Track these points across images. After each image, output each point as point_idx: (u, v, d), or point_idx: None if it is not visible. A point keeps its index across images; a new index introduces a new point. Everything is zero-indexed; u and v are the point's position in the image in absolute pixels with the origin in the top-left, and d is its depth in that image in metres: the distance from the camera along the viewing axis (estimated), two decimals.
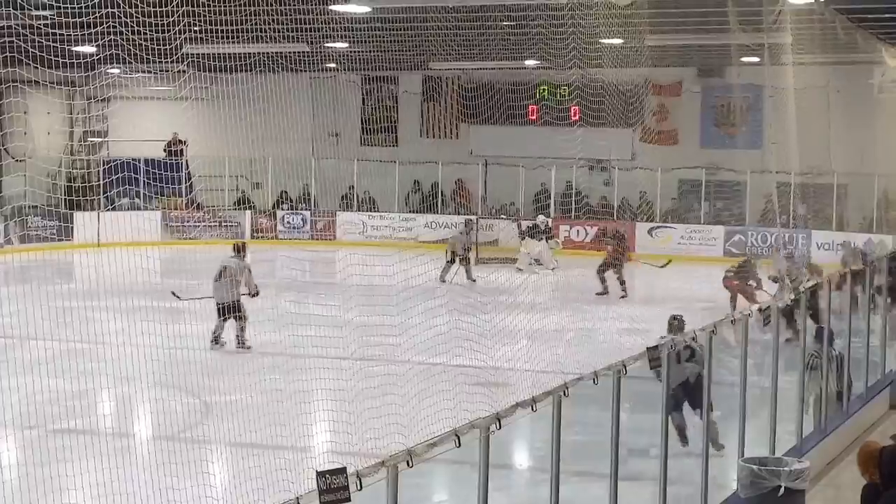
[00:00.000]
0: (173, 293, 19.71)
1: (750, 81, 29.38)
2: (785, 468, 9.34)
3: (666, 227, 31.29)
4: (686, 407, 11.16)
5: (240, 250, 19.36)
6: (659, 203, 32.59)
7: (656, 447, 8.86)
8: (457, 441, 6.07)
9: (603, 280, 24.32)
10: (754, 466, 9.39)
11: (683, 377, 10.95)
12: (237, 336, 18.32)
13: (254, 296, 18.55)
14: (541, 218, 28.71)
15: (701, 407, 10.11)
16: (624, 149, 33.56)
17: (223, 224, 33.43)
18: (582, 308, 21.94)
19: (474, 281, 26.14)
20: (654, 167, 32.30)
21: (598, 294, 23.79)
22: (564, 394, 7.29)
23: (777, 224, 28.81)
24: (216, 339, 18.35)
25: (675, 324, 14.08)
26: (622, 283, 24.39)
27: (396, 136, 36.51)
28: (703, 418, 9.61)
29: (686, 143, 33.29)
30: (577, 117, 31.12)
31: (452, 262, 26.51)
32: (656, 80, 33.16)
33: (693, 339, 10.09)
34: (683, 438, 11.03)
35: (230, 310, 18.15)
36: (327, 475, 5.06)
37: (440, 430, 6.15)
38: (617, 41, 23.60)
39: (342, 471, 5.10)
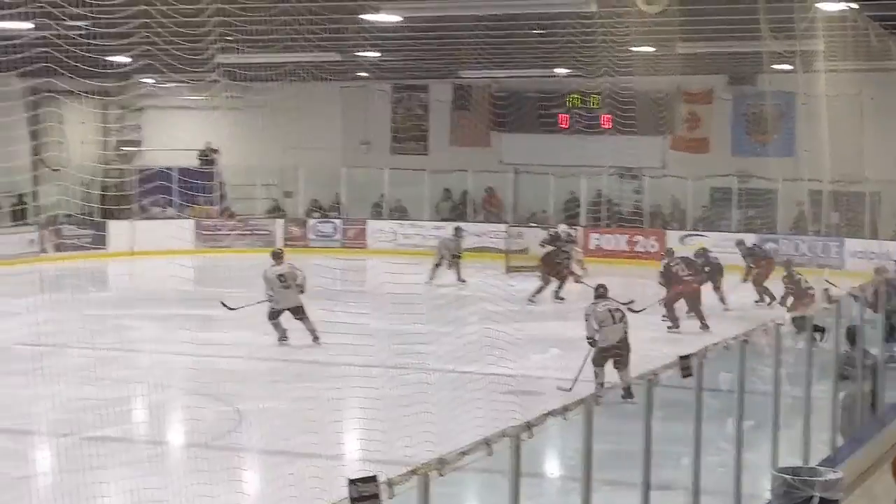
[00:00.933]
0: (223, 304, 19.89)
1: (782, 89, 29.25)
2: (819, 478, 9.30)
3: (697, 234, 31.18)
4: None
5: (279, 257, 20.06)
6: (690, 211, 32.50)
7: (688, 456, 8.85)
8: (488, 449, 6.08)
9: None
10: (788, 476, 9.36)
11: None
12: (313, 332, 18.92)
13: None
14: (562, 227, 28.65)
15: None
16: (654, 157, 33.50)
17: (255, 232, 33.55)
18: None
19: (464, 281, 26.58)
20: (685, 175, 32.23)
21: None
22: (596, 402, 7.29)
23: (809, 232, 28.76)
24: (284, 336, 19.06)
25: (601, 291, 16.07)
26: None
27: (427, 145, 36.54)
28: (736, 428, 9.58)
29: (717, 151, 33.17)
30: (607, 125, 31.19)
31: (439, 264, 27.14)
32: (687, 88, 33.12)
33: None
34: None
35: (300, 311, 19.05)
36: (359, 483, 5.08)
37: (471, 439, 6.16)
38: (648, 49, 23.63)
39: (374, 479, 5.11)
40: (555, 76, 32.07)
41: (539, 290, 24.27)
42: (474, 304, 23.07)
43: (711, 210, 32.99)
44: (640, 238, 31.65)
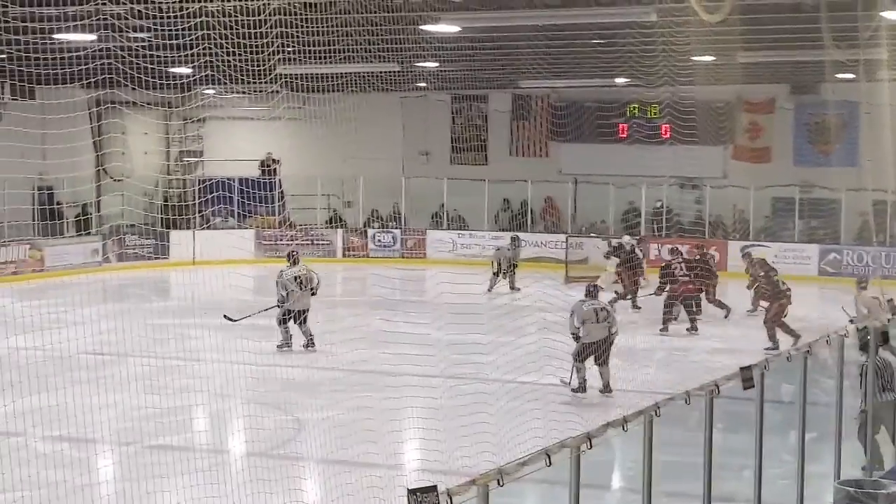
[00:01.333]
0: (226, 316, 20.02)
1: (845, 98, 29.02)
2: (882, 490, 9.20)
3: (759, 245, 30.93)
4: None
5: (296, 260, 19.96)
6: (752, 221, 32.26)
7: (750, 468, 8.78)
8: (547, 460, 6.05)
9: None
10: (851, 489, 9.26)
11: None
12: (310, 339, 19.18)
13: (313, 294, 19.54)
14: (626, 238, 28.53)
15: None
16: (715, 166, 33.29)
17: (315, 242, 33.71)
18: (671, 327, 21.76)
19: (518, 290, 26.58)
20: (746, 185, 32.00)
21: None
22: (656, 413, 7.24)
23: (874, 242, 28.44)
24: (289, 342, 19.22)
25: (592, 290, 16.59)
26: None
27: (486, 155, 36.56)
28: (798, 440, 9.49)
29: (779, 161, 32.92)
30: (667, 135, 31.06)
31: (497, 274, 27.23)
32: (749, 98, 32.90)
33: None
34: None
35: (305, 315, 19.25)
36: (418, 493, 5.07)
37: (530, 449, 6.14)
38: (708, 58, 23.49)
39: (433, 489, 5.11)
40: (614, 86, 31.98)
41: (616, 300, 24.31)
42: (533, 314, 23.03)
43: (773, 220, 32.73)
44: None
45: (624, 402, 14.74)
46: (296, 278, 19.38)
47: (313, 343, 19.05)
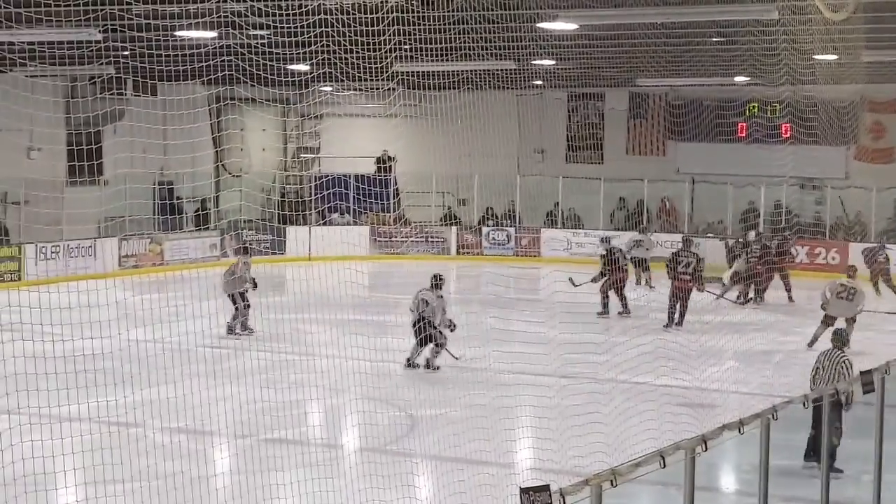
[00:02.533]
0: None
1: None
2: None
3: (881, 246, 30.28)
4: None
5: (437, 285, 18.30)
6: (874, 223, 31.61)
7: (869, 473, 8.60)
8: (662, 462, 5.99)
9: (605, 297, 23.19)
10: None
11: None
12: (429, 359, 17.95)
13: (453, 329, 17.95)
14: (752, 235, 28.16)
15: None
16: (837, 167, 32.71)
17: (429, 239, 33.83)
18: (791, 329, 21.42)
19: (653, 287, 26.46)
20: (869, 186, 31.37)
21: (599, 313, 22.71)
22: (773, 417, 7.13)
23: None
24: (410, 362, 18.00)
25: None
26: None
27: (602, 153, 36.37)
28: None
29: None
30: (787, 135, 30.55)
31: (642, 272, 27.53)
32: (872, 97, 32.25)
33: None
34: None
35: (428, 338, 17.81)
36: (531, 492, 5.06)
37: (644, 451, 6.08)
38: (831, 57, 23.05)
39: (546, 488, 5.08)
40: (734, 84, 31.55)
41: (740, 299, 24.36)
42: (648, 315, 22.85)
43: None
44: (821, 250, 30.90)
45: (740, 404, 14.53)
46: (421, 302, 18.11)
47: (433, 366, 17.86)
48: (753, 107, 33.02)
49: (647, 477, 6.01)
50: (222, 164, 31.21)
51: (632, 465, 5.84)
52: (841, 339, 12.61)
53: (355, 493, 10.82)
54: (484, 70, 24.86)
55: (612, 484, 5.60)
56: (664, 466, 5.98)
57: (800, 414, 9.09)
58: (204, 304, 18.71)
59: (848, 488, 9.73)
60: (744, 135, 33.08)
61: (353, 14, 14.82)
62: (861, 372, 8.17)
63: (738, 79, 30.26)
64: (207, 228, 30.82)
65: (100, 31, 16.84)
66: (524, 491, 5.05)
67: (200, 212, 31.27)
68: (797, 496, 9.37)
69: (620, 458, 5.88)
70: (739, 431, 6.74)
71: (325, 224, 32.25)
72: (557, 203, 34.54)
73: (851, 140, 32.63)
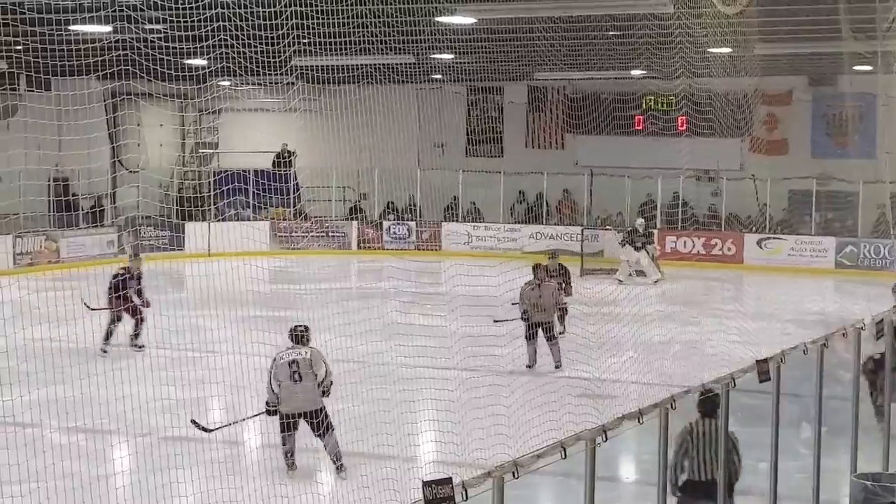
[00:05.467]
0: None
1: (862, 90, 28.87)
2: None
3: (776, 238, 30.86)
4: None
5: (300, 339, 13.32)
6: (769, 214, 32.16)
7: (766, 461, 8.75)
8: (563, 453, 6.04)
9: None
10: (867, 483, 9.22)
11: None
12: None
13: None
14: (639, 221, 28.57)
15: None
16: (732, 159, 33.21)
17: (331, 234, 33.73)
18: (689, 320, 21.73)
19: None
20: (763, 177, 31.90)
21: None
22: (672, 406, 7.22)
23: (891, 235, 28.32)
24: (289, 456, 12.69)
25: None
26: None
27: (501, 147, 36.54)
28: (815, 434, 9.45)
29: (796, 153, 32.84)
30: (684, 127, 30.95)
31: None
32: (766, 89, 32.78)
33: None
34: None
35: (314, 415, 12.59)
36: (433, 485, 5.06)
37: (546, 442, 6.13)
38: (725, 50, 23.39)
39: (448, 481, 5.10)
40: (631, 77, 31.91)
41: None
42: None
43: (790, 213, 32.63)
44: (717, 241, 31.37)
45: (640, 394, 14.71)
46: (290, 363, 12.86)
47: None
48: (650, 100, 33.43)
49: (548, 468, 6.06)
50: (119, 160, 30.79)
51: (533, 456, 5.88)
52: None
53: (257, 490, 10.76)
54: (383, 64, 24.87)
55: (513, 475, 5.63)
56: (565, 457, 6.03)
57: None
58: (102, 302, 18.46)
59: (745, 476, 9.89)
60: (641, 127, 33.46)
61: (251, 7, 14.71)
62: (757, 361, 8.29)
63: (635, 72, 30.61)
64: (104, 225, 30.41)
65: None
66: (426, 484, 5.05)
67: (97, 208, 30.85)
68: None
69: (522, 450, 5.91)
70: (639, 421, 6.81)
71: (224, 220, 32.00)
72: (456, 197, 34.61)
73: (746, 132, 33.14)
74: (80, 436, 12.69)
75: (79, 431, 12.78)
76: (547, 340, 17.84)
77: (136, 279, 18.98)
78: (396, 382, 15.29)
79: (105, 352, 18.08)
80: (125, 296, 18.39)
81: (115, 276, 18.70)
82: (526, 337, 18.00)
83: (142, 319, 18.67)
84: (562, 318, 19.58)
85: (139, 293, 18.85)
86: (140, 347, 18.41)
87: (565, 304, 19.66)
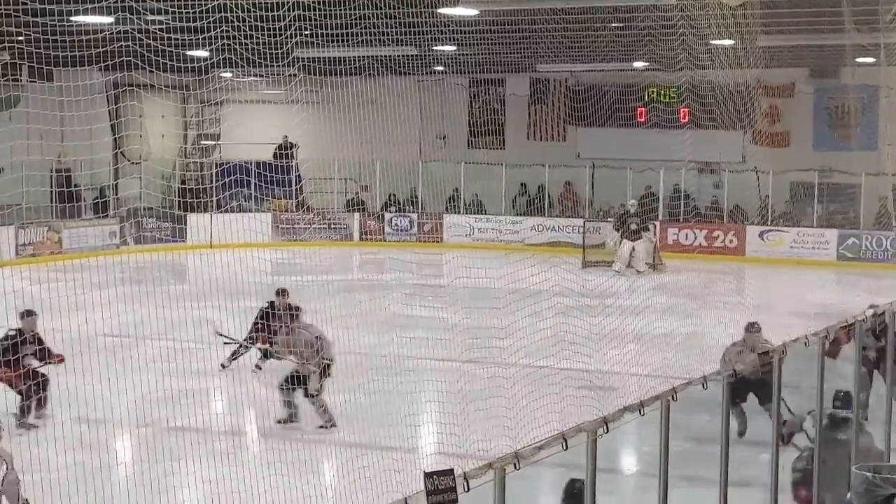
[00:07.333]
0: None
1: (864, 82, 28.85)
2: None
3: (777, 230, 30.86)
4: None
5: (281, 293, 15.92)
6: (771, 206, 32.15)
7: (767, 453, 8.76)
8: (564, 444, 6.05)
9: None
10: (868, 473, 9.22)
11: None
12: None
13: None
14: (631, 202, 28.66)
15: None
16: (734, 151, 33.19)
17: (332, 226, 33.73)
18: (690, 312, 21.74)
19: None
20: (765, 170, 31.89)
21: None
22: (673, 398, 7.23)
23: (892, 227, 28.33)
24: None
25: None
26: None
27: (503, 139, 36.52)
28: (815, 426, 9.46)
29: (798, 146, 32.82)
30: (686, 119, 30.94)
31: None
32: (768, 82, 32.74)
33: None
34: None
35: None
36: (435, 476, 5.08)
37: (547, 434, 6.14)
38: (728, 42, 23.38)
39: (450, 472, 5.11)
40: (633, 70, 31.88)
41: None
42: (550, 298, 23.02)
43: (792, 205, 32.62)
44: (718, 233, 31.37)
45: (641, 386, 14.73)
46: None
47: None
48: (652, 92, 33.39)
49: (549, 459, 6.07)
50: (121, 151, 30.79)
51: (534, 447, 5.89)
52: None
53: (260, 481, 10.77)
54: (385, 56, 24.83)
55: (515, 467, 5.65)
56: (566, 449, 6.04)
57: (697, 395, 9.22)
58: (104, 293, 18.48)
59: (747, 468, 9.91)
60: (643, 120, 33.42)
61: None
62: (759, 353, 8.32)
63: (637, 64, 30.59)
64: (107, 216, 30.43)
65: None
66: (428, 475, 5.07)
67: (99, 199, 30.88)
68: (697, 476, 9.51)
69: (524, 442, 5.93)
70: (640, 413, 6.82)
71: (226, 211, 32.02)
72: (457, 189, 34.59)
73: (748, 124, 33.11)
74: (83, 426, 12.70)
75: (81, 422, 12.80)
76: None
77: (33, 342, 14.35)
78: (398, 374, 15.33)
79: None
80: (18, 360, 13.87)
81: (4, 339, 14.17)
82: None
83: (40, 385, 13.79)
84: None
85: (40, 354, 14.21)
86: (30, 427, 13.47)
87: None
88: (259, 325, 16.17)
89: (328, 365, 13.93)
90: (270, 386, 14.85)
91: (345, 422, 13.38)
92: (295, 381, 13.79)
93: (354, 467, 11.35)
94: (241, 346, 16.07)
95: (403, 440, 12.45)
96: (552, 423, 10.35)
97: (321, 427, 13.63)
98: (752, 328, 14.08)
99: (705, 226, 31.66)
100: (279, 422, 13.81)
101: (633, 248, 27.44)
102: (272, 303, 15.84)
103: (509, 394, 13.67)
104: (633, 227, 27.65)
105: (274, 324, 15.34)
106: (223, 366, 15.95)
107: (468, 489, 5.21)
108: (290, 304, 15.70)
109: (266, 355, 15.82)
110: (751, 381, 10.96)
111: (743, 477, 9.64)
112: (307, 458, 11.97)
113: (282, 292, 16.16)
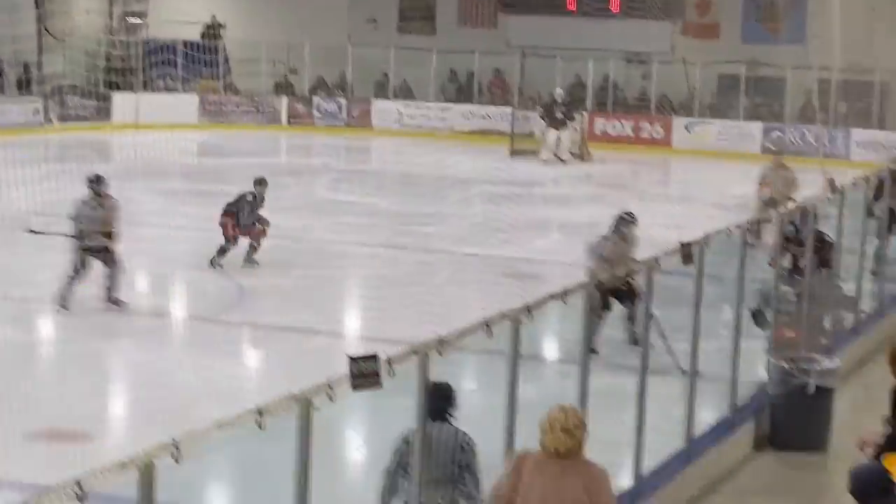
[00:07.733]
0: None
1: None
2: (815, 366, 9.39)
3: (704, 122, 31.03)
4: None
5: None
6: (698, 98, 32.24)
7: (687, 342, 8.92)
8: (488, 331, 6.12)
9: None
10: (784, 364, 9.45)
11: None
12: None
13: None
14: (558, 91, 28.65)
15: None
16: (663, 42, 33.15)
17: (260, 109, 33.38)
18: (615, 202, 21.91)
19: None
20: (693, 62, 31.92)
21: None
22: (595, 286, 7.32)
23: (817, 121, 28.61)
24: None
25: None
26: None
27: (434, 24, 36.16)
28: (734, 316, 9.63)
29: (727, 38, 32.83)
30: (616, 9, 30.85)
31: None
32: None
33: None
34: None
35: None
36: (359, 360, 5.12)
37: (471, 320, 6.20)
38: None
39: (374, 357, 5.15)
40: None
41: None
42: (478, 186, 23.09)
43: (719, 97, 32.76)
44: (645, 124, 31.47)
45: (565, 274, 14.88)
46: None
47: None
48: None
49: (473, 346, 6.15)
50: (45, 27, 30.14)
51: (458, 334, 5.96)
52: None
53: (184, 361, 10.82)
54: None
55: (438, 352, 5.72)
56: (490, 336, 6.12)
57: None
58: (27, 171, 18.22)
59: (665, 356, 10.08)
60: (573, 8, 33.21)
61: None
62: (681, 244, 8.40)
63: None
64: (30, 93, 29.89)
65: None
66: (352, 359, 5.11)
67: (23, 76, 30.28)
68: (619, 363, 9.68)
69: (448, 328, 5.98)
70: (563, 301, 6.90)
71: (152, 91, 31.56)
72: (387, 74, 34.32)
73: (678, 15, 33.07)
74: (8, 304, 12.61)
75: (6, 300, 12.70)
76: None
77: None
78: (325, 259, 15.35)
79: None
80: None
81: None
82: None
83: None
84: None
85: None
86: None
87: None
88: (252, 217, 15.03)
89: None
90: (193, 268, 14.79)
91: (270, 304, 13.40)
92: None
93: (279, 350, 11.42)
94: (227, 241, 15.00)
95: (328, 324, 12.52)
96: (477, 310, 10.45)
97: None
98: (626, 221, 13.11)
99: (632, 117, 31.74)
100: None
101: (559, 137, 27.47)
102: (254, 193, 15.08)
103: (435, 280, 13.78)
104: (559, 116, 27.65)
105: (252, 215, 14.85)
106: (213, 263, 14.82)
107: (392, 374, 5.27)
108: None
109: (254, 248, 14.93)
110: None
111: (663, 364, 9.84)
112: (232, 339, 12.01)
113: (261, 182, 15.28)
